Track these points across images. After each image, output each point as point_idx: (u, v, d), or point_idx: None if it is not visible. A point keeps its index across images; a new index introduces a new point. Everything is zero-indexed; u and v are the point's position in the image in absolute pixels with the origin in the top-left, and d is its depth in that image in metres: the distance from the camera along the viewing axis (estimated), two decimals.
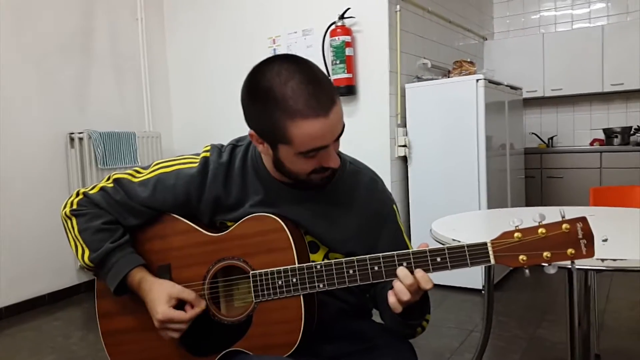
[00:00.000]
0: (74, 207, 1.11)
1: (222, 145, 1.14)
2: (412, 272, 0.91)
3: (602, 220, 1.68)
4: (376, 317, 1.18)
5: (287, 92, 0.90)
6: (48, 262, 3.49)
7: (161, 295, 1.02)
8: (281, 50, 3.79)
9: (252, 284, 1.01)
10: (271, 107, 0.91)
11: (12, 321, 3.17)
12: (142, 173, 1.12)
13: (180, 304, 1.03)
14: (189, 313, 1.01)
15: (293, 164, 0.99)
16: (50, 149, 3.54)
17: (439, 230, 1.52)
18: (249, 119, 0.99)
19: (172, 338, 1.03)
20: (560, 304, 2.94)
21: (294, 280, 0.98)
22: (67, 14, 3.66)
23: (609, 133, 4.73)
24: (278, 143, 0.96)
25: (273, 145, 0.98)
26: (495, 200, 3.44)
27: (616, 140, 4.66)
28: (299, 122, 0.90)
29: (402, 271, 0.91)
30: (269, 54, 4.16)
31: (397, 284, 0.91)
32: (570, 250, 0.87)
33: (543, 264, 0.89)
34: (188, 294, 1.03)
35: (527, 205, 4.34)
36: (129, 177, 1.11)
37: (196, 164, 1.09)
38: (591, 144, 4.92)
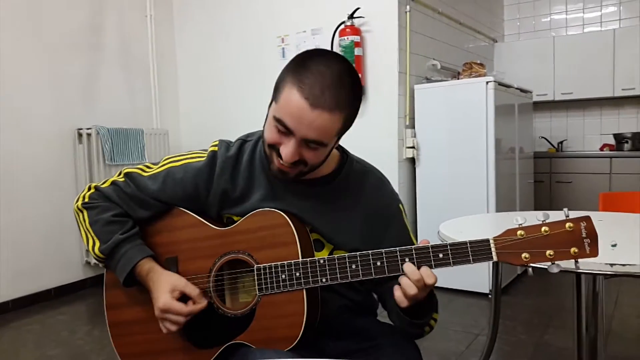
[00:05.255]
0: (86, 200, 1.14)
1: (231, 141, 1.16)
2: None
3: (611, 225, 1.66)
4: (381, 316, 1.18)
5: (313, 69, 0.95)
6: (54, 257, 3.51)
7: (166, 285, 1.04)
8: (290, 50, 3.78)
9: (256, 278, 1.03)
10: (295, 68, 0.98)
11: (17, 314, 3.19)
12: (152, 168, 1.15)
13: (184, 298, 1.04)
14: (189, 307, 1.03)
15: (267, 126, 1.02)
16: (59, 145, 3.56)
17: (447, 233, 1.51)
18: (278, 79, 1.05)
19: (171, 331, 1.04)
20: (567, 309, 2.92)
21: (298, 274, 0.99)
22: (76, 10, 3.68)
23: (619, 138, 4.69)
24: (273, 100, 1.01)
25: (271, 103, 1.03)
26: (504, 204, 3.42)
27: (626, 146, 4.62)
28: (292, 90, 0.95)
29: (408, 266, 0.93)
30: (277, 52, 4.22)
31: (404, 278, 0.93)
32: (573, 249, 0.86)
33: (546, 262, 0.87)
34: (192, 290, 1.04)
35: (536, 209, 4.31)
36: (139, 172, 1.14)
37: (204, 158, 1.12)
38: (601, 149, 4.88)
